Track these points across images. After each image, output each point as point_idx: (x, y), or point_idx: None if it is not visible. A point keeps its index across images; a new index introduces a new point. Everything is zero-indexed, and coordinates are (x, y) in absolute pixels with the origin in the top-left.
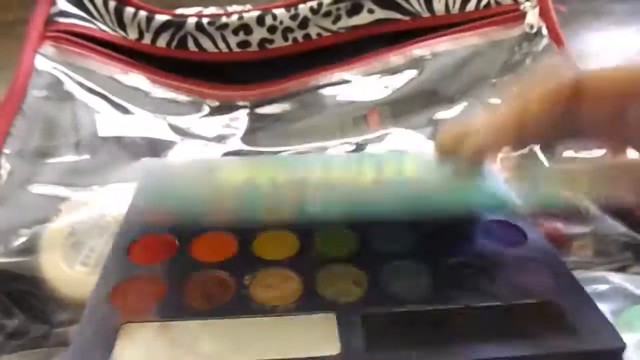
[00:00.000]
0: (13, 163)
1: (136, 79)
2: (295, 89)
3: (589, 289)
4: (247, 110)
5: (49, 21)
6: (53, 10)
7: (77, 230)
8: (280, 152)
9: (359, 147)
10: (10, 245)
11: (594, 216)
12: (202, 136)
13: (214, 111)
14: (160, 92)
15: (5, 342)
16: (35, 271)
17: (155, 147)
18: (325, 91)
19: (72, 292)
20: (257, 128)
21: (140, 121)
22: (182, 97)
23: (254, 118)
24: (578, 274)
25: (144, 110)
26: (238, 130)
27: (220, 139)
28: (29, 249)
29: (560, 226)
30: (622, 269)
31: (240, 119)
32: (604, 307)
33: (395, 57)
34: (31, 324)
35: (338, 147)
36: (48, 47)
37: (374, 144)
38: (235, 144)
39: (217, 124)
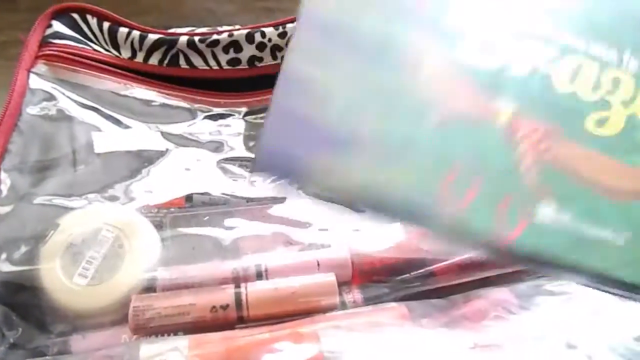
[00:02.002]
0: (13, 178)
1: (129, 89)
2: None
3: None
4: (240, 118)
5: (43, 42)
6: (48, 32)
7: (75, 243)
8: None
9: None
10: (12, 257)
11: None
12: (196, 142)
13: (207, 118)
14: (152, 99)
15: (8, 352)
16: (35, 282)
17: (150, 157)
18: None
19: (71, 303)
20: (249, 136)
21: (135, 133)
22: (175, 103)
23: (246, 126)
24: (552, 280)
25: (137, 121)
26: (231, 137)
27: (215, 145)
28: (30, 260)
29: None
30: None
31: (231, 126)
32: (577, 310)
33: None
34: (32, 333)
35: None
36: (41, 66)
37: None
38: (230, 151)
39: (211, 131)
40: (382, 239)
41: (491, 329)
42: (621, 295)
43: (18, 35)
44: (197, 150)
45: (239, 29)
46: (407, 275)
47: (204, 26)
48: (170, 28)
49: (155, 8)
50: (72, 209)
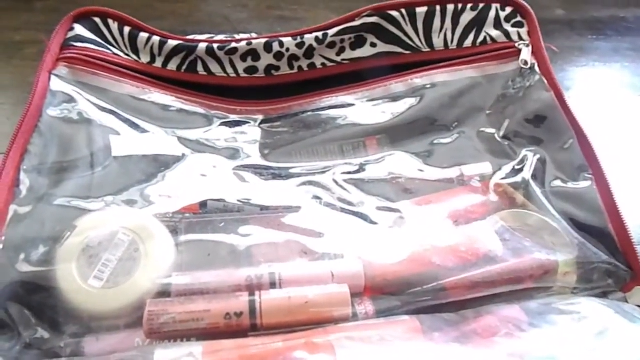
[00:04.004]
0: (32, 179)
1: (147, 94)
2: (300, 109)
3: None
4: (255, 126)
5: (65, 45)
6: (70, 34)
7: (92, 245)
8: (287, 168)
9: (361, 168)
10: (30, 257)
11: (579, 244)
12: (212, 148)
13: (223, 125)
14: (170, 104)
15: (23, 352)
16: (52, 283)
17: (166, 162)
18: (330, 113)
19: (86, 305)
20: (264, 144)
21: (152, 138)
22: (192, 109)
23: (262, 134)
24: (562, 299)
25: (155, 125)
26: (247, 145)
27: (231, 152)
28: (47, 261)
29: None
30: (604, 295)
31: (246, 134)
32: (586, 330)
33: (396, 85)
34: (47, 334)
35: (340, 168)
36: (62, 69)
37: (373, 166)
38: (246, 158)
39: (227, 138)
40: (395, 251)
41: (502, 346)
42: None
43: (34, 35)
44: (213, 156)
45: (257, 38)
46: (419, 288)
47: (219, 32)
48: (186, 33)
49: (171, 13)
50: (89, 211)
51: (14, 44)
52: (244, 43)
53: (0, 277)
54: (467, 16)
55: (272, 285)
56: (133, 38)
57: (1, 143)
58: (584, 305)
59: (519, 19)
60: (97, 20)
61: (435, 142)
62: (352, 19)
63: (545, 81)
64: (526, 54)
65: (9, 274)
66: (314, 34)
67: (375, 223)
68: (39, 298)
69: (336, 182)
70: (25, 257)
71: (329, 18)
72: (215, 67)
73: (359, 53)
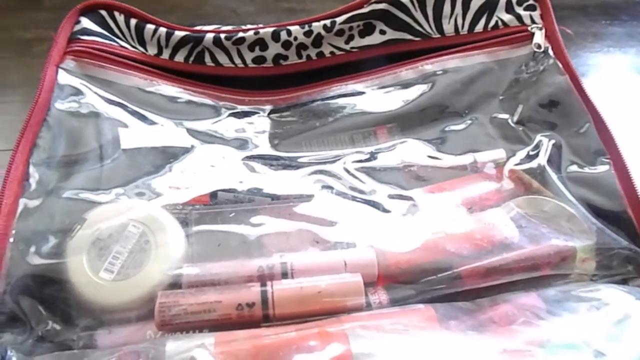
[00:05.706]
0: (41, 172)
1: (155, 86)
2: (309, 98)
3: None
4: (264, 116)
5: (72, 39)
6: (76, 28)
7: (102, 238)
8: (297, 157)
9: (372, 156)
10: (40, 250)
11: (597, 230)
12: (221, 139)
13: (232, 116)
14: (178, 95)
15: (36, 345)
16: (62, 275)
17: (175, 154)
18: (339, 101)
19: (97, 298)
20: (273, 134)
21: (160, 130)
22: (200, 100)
23: (271, 124)
24: (581, 286)
25: (163, 117)
26: (256, 135)
27: (240, 143)
28: (57, 253)
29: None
30: (624, 282)
31: (255, 124)
32: (606, 317)
33: (406, 72)
34: (59, 326)
35: (351, 156)
36: (69, 62)
37: (384, 154)
38: (255, 149)
39: (236, 129)
40: (409, 239)
41: (520, 334)
42: None
43: (43, 33)
44: (222, 147)
45: (264, 27)
46: (434, 277)
47: (226, 25)
48: (193, 27)
49: (178, 7)
50: (98, 203)
51: (23, 42)
52: (251, 32)
53: (12, 270)
54: (478, 0)
55: (284, 275)
56: (140, 30)
57: (12, 139)
58: (603, 292)
59: (531, 1)
60: (104, 12)
61: (447, 129)
62: (360, 6)
63: (560, 64)
64: (539, 37)
65: (20, 267)
66: (322, 22)
67: (387, 211)
68: (50, 291)
69: (347, 171)
70: (36, 250)
71: None
72: (222, 58)
73: (368, 41)
